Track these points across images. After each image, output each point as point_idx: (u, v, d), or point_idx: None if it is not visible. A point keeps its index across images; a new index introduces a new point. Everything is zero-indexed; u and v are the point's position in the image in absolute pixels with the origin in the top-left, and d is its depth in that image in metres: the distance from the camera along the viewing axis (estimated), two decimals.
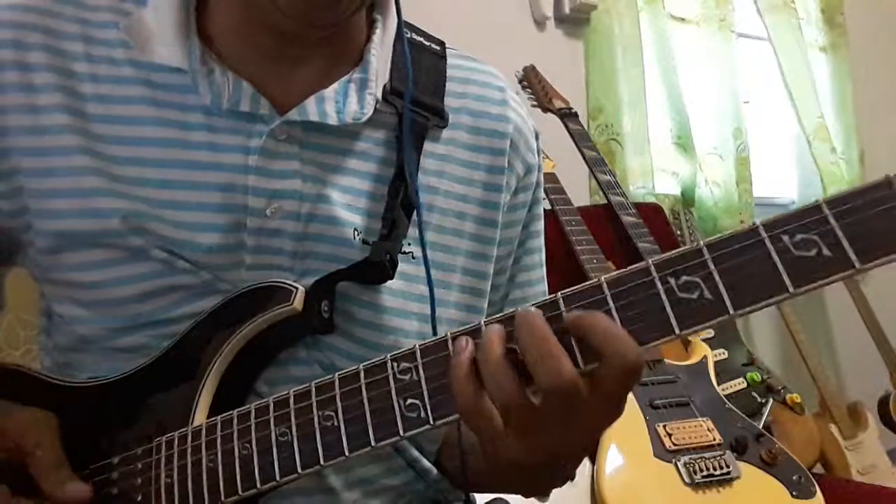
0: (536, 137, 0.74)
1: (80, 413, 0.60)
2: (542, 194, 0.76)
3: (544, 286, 0.77)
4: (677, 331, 0.44)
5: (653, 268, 0.45)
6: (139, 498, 0.56)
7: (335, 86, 0.62)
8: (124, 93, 0.61)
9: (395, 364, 0.50)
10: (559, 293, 0.47)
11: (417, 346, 0.50)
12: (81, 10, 0.62)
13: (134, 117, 0.60)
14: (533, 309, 0.46)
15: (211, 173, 0.60)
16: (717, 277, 0.43)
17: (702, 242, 0.44)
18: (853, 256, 0.40)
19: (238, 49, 0.61)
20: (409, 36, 0.68)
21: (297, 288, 0.58)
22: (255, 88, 0.60)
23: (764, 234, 0.43)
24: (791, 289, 0.42)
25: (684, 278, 0.44)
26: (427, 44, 0.70)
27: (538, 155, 0.74)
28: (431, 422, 0.48)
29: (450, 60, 0.70)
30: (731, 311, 0.43)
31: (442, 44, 0.72)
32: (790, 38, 2.56)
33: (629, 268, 0.46)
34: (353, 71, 0.64)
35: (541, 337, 0.44)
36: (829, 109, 2.65)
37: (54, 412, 0.59)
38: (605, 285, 0.46)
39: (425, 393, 0.49)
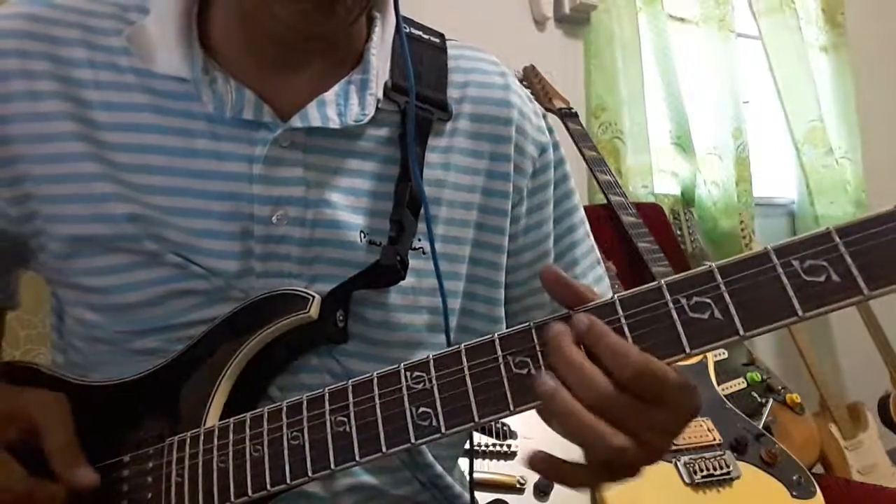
0: (543, 117, 0.73)
1: (94, 411, 0.60)
2: (568, 171, 0.74)
3: (593, 257, 0.76)
4: (688, 349, 0.45)
5: (665, 287, 0.46)
6: (149, 496, 0.56)
7: (335, 88, 0.62)
8: (129, 100, 0.61)
9: (409, 373, 0.51)
10: (573, 310, 0.48)
11: (431, 356, 0.51)
12: (84, 16, 0.62)
13: (139, 124, 0.60)
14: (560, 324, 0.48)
15: (216, 182, 0.60)
16: (727, 299, 0.45)
17: (713, 264, 0.46)
18: (862, 283, 0.42)
19: (239, 57, 0.61)
20: (408, 31, 0.67)
21: (313, 296, 0.58)
22: (258, 95, 0.60)
23: (775, 259, 0.44)
24: (800, 312, 0.43)
25: (696, 299, 0.45)
26: (427, 37, 0.70)
27: (550, 133, 0.73)
28: (443, 430, 0.49)
29: (450, 52, 0.70)
30: (742, 333, 0.44)
31: (441, 36, 0.71)
32: (787, 39, 2.55)
33: (641, 287, 0.47)
34: (353, 72, 0.64)
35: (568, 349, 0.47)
36: (830, 109, 2.64)
37: (69, 409, 0.59)
38: (617, 303, 0.47)
39: (437, 402, 0.50)
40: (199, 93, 0.59)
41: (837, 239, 0.43)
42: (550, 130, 0.73)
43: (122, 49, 0.61)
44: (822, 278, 0.43)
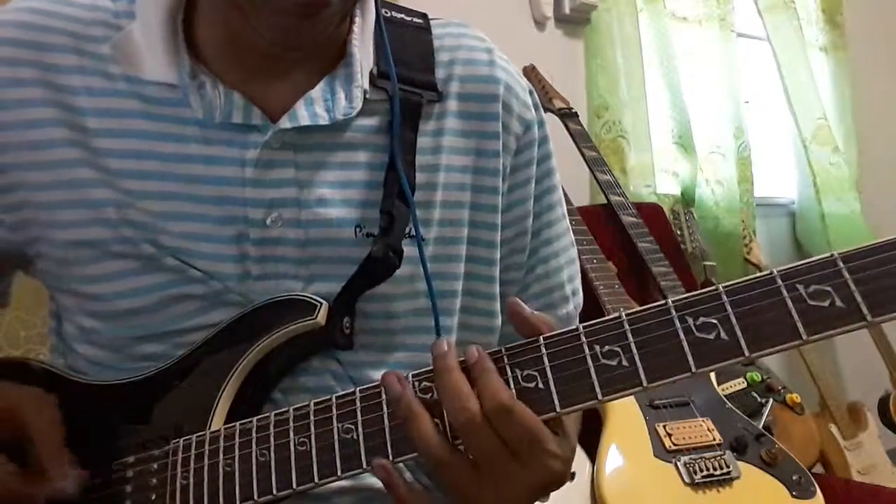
0: (531, 93, 0.72)
1: (98, 411, 0.60)
2: (551, 149, 0.73)
3: (567, 239, 0.75)
4: (693, 369, 0.46)
5: (672, 307, 0.47)
6: (153, 497, 0.56)
7: (321, 84, 0.62)
8: (121, 106, 0.61)
9: (417, 382, 0.51)
10: (580, 326, 0.49)
11: None
12: (74, 24, 0.62)
13: (131, 130, 0.61)
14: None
15: (209, 187, 0.60)
16: (733, 320, 0.45)
17: (720, 286, 0.46)
18: (865, 310, 0.43)
19: (226, 61, 0.61)
20: (389, 15, 0.67)
21: (321, 302, 0.59)
22: (246, 98, 0.60)
23: (780, 283, 0.45)
24: (805, 336, 0.44)
25: (702, 319, 0.46)
26: (409, 19, 0.69)
27: (536, 110, 0.72)
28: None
29: (434, 31, 0.69)
30: (747, 354, 0.45)
31: (424, 16, 0.71)
32: (790, 38, 2.55)
33: (649, 306, 0.48)
34: (338, 66, 0.63)
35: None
36: (829, 109, 2.65)
37: (73, 408, 0.59)
38: (625, 321, 0.48)
39: (445, 413, 0.50)
40: (187, 98, 0.59)
41: (842, 265, 0.44)
42: (536, 107, 0.72)
43: (113, 56, 0.61)
44: (827, 303, 0.44)
